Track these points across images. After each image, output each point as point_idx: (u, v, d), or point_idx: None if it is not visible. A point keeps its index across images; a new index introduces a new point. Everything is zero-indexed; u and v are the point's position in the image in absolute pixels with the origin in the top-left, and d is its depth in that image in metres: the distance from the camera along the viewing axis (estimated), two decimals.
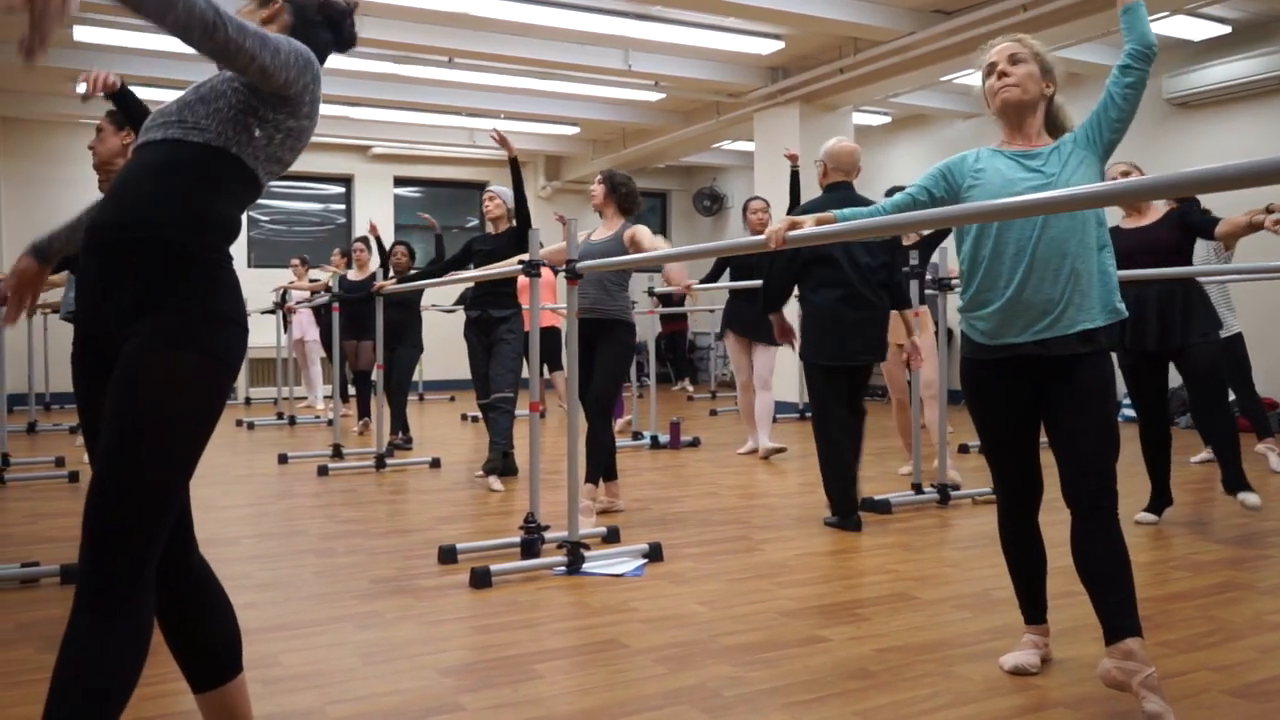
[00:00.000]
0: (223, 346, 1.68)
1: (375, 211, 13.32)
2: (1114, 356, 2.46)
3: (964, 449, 6.87)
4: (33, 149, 11.49)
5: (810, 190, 5.84)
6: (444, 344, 12.99)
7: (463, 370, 13.00)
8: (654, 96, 10.55)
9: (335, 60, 8.98)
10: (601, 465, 4.63)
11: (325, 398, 11.05)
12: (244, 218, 1.80)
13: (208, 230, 1.71)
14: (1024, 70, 2.43)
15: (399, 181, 13.71)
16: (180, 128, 1.73)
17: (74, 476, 5.94)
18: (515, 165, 5.59)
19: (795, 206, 6.12)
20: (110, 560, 1.55)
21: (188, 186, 1.70)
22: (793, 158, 6.24)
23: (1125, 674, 2.19)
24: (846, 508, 4.39)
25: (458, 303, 10.36)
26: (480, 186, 14.33)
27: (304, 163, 12.79)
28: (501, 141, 5.32)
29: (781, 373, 8.64)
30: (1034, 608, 2.61)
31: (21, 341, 10.61)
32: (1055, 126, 2.53)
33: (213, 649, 1.80)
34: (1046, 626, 2.63)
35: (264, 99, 1.76)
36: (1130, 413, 8.94)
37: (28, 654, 2.78)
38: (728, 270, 7.19)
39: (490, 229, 5.99)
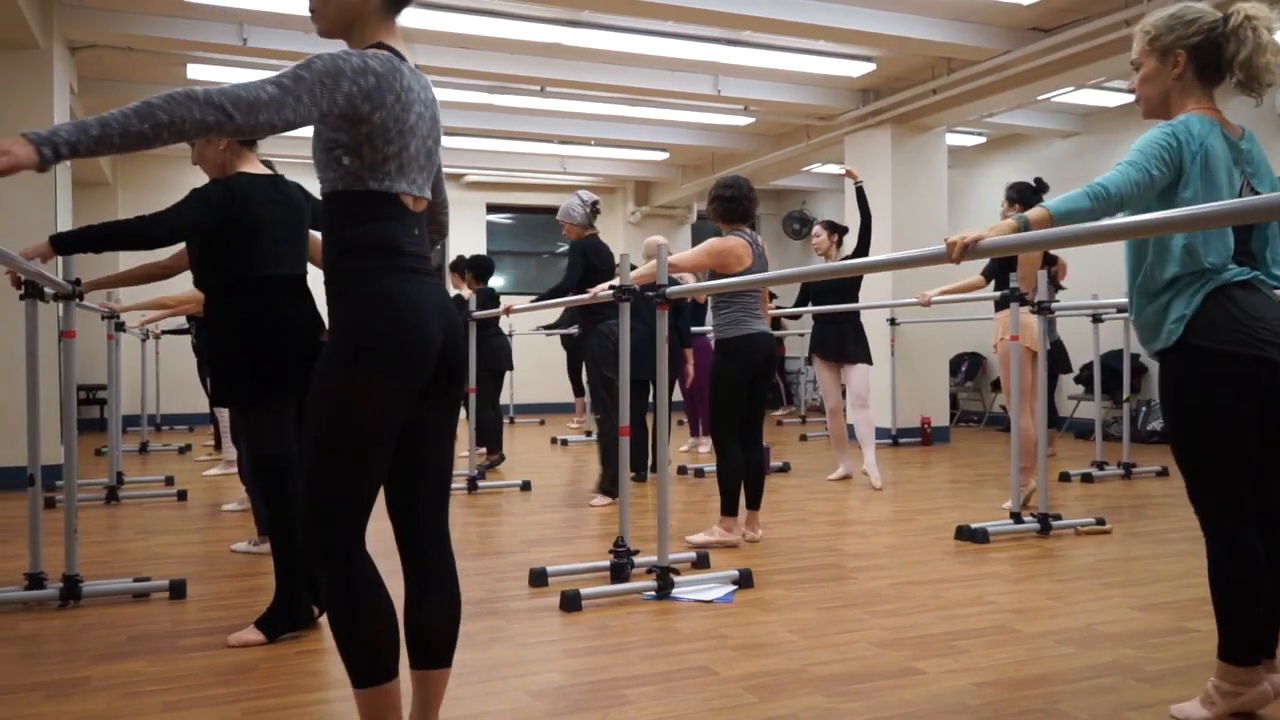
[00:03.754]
0: (349, 359, 1.85)
1: (468, 238, 13.61)
2: None
3: (1064, 477, 6.65)
4: (149, 181, 12.07)
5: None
6: (535, 368, 13.17)
7: (553, 394, 13.22)
8: (744, 121, 10.56)
9: None
10: (724, 494, 4.55)
11: None
12: (401, 230, 1.93)
13: (349, 256, 1.90)
14: (1141, 76, 2.40)
15: (491, 208, 13.99)
16: (320, 184, 1.95)
17: (183, 495, 6.17)
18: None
19: (868, 224, 6.06)
20: (307, 536, 1.99)
21: (328, 235, 1.94)
22: (850, 174, 6.12)
23: None
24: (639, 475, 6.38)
25: (557, 324, 10.54)
26: None
27: None
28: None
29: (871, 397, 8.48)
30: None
31: (135, 366, 11.11)
32: (1240, 72, 2.26)
33: (422, 633, 2.05)
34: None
35: (332, 126, 1.84)
36: None
37: (140, 666, 2.89)
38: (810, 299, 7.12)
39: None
